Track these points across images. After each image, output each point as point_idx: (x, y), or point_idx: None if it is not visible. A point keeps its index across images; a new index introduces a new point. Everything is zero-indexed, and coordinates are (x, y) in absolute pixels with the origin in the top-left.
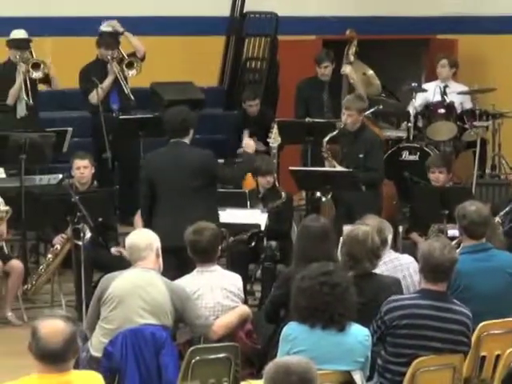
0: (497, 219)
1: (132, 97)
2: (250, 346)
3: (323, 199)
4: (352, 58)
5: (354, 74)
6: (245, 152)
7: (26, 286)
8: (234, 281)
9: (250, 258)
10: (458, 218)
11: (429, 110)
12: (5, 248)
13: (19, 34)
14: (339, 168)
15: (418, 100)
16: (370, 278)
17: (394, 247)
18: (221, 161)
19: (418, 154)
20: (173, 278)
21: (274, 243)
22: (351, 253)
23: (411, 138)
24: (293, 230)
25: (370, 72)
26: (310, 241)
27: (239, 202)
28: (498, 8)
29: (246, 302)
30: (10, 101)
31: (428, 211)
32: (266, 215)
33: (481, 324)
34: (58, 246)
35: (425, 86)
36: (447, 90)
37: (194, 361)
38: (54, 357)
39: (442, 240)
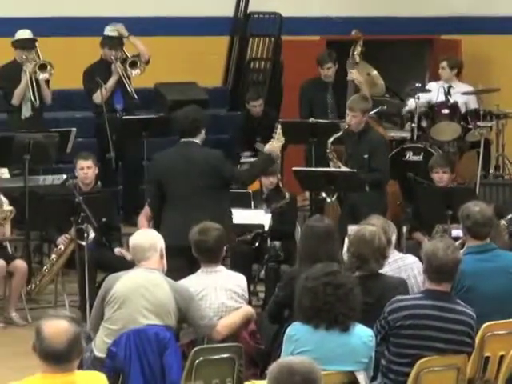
0: (502, 222)
1: (135, 96)
2: (254, 346)
3: (328, 200)
4: (357, 59)
5: (361, 78)
6: (267, 152)
7: (29, 286)
8: (239, 281)
9: (254, 259)
10: (461, 219)
11: (433, 111)
12: (8, 248)
13: (24, 34)
14: (344, 169)
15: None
16: (377, 278)
17: (398, 247)
18: None
19: (422, 154)
20: (182, 278)
21: (277, 244)
22: (358, 253)
23: (415, 138)
24: (297, 231)
25: (375, 72)
26: (314, 241)
27: (243, 202)
28: (502, 8)
29: (249, 302)
30: (15, 101)
31: (432, 211)
32: (269, 216)
33: (485, 324)
34: (62, 247)
35: (428, 86)
36: (452, 91)
37: (197, 361)
38: (58, 357)
39: (446, 240)
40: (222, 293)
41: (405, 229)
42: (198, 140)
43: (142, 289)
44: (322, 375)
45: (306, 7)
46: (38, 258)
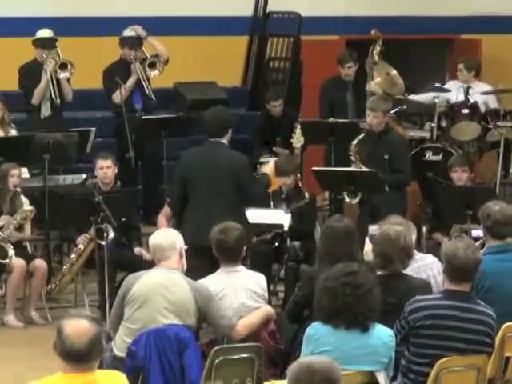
0: None
1: (153, 97)
2: (274, 346)
3: (352, 202)
4: (376, 58)
5: (380, 90)
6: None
7: (49, 286)
8: (258, 281)
9: (274, 258)
10: (482, 218)
11: (452, 110)
12: (28, 248)
13: (45, 33)
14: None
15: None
16: (401, 278)
17: (418, 247)
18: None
19: (442, 154)
20: (202, 278)
21: (297, 243)
22: (383, 252)
23: (435, 138)
24: (316, 231)
25: (394, 72)
26: (334, 241)
27: (262, 201)
28: None
29: (269, 302)
30: (35, 100)
31: (451, 211)
32: (289, 215)
33: (505, 325)
34: (82, 246)
35: (447, 85)
36: (470, 91)
37: (217, 361)
38: (78, 357)
39: (466, 240)
40: (241, 292)
41: (424, 229)
42: (225, 140)
43: (161, 288)
44: (342, 375)
45: (326, 7)
46: (57, 258)
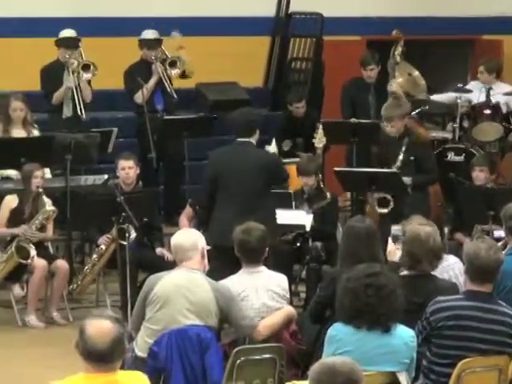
0: None
1: (175, 95)
2: (295, 346)
3: (383, 211)
4: (398, 59)
5: (401, 91)
6: None
7: (71, 286)
8: (280, 282)
9: (296, 259)
10: (503, 219)
11: (474, 111)
12: (50, 248)
13: (68, 33)
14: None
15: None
16: (428, 279)
17: None
18: None
19: (464, 154)
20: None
21: (319, 244)
22: (412, 252)
23: (457, 138)
24: (338, 231)
25: (416, 73)
26: (356, 241)
27: (284, 202)
28: None
29: (290, 302)
30: (54, 101)
31: (473, 212)
32: (311, 216)
33: None
34: (103, 247)
35: (469, 85)
36: (492, 92)
37: (239, 361)
38: (100, 357)
39: (488, 241)
40: (263, 293)
41: (446, 229)
42: (253, 140)
43: (183, 289)
44: (364, 376)
45: (347, 7)
46: (79, 258)
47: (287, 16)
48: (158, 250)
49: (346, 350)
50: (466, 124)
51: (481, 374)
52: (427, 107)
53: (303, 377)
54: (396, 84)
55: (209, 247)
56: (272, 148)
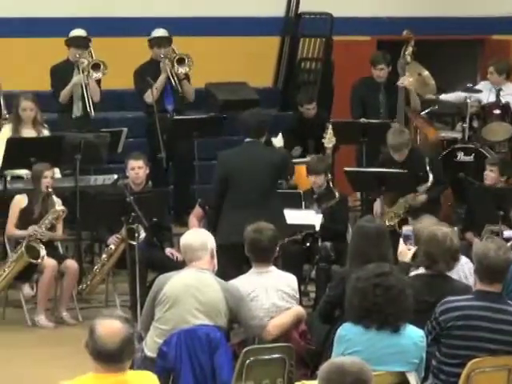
0: None
1: (180, 89)
2: (305, 346)
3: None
4: (408, 59)
5: (411, 85)
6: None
7: (80, 286)
8: (289, 282)
9: (305, 259)
10: None
11: (484, 111)
12: (60, 248)
13: (79, 32)
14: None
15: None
16: (443, 279)
17: None
18: None
19: (473, 154)
20: (237, 274)
21: (328, 244)
22: (428, 252)
23: (466, 138)
24: (348, 231)
25: (426, 73)
26: (365, 241)
27: (294, 202)
28: None
29: (300, 302)
30: (61, 99)
31: (483, 212)
32: (320, 216)
33: None
34: (113, 246)
35: (478, 85)
36: (502, 93)
37: (248, 361)
38: (110, 357)
39: (497, 241)
40: (273, 293)
41: (456, 229)
42: (262, 140)
43: (192, 289)
44: (373, 376)
45: (357, 7)
46: (88, 258)
47: (297, 16)
48: (167, 250)
49: (356, 349)
50: (475, 124)
51: (490, 374)
52: (437, 107)
53: (312, 377)
54: (406, 79)
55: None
56: (278, 141)
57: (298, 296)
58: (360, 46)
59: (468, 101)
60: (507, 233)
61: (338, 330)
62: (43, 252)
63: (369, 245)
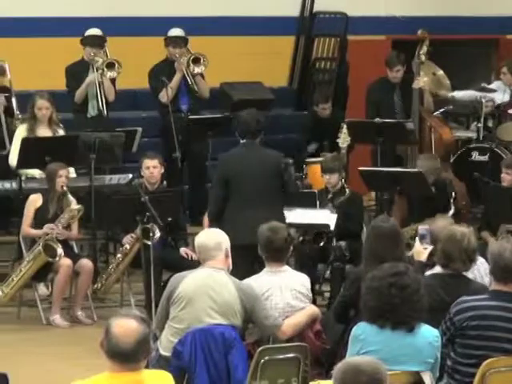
0: None
1: (196, 88)
2: (319, 346)
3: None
4: (423, 58)
5: (426, 86)
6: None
7: (95, 286)
8: (303, 281)
9: (320, 259)
10: None
11: (499, 111)
12: (75, 247)
13: (94, 31)
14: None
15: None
16: (462, 280)
17: None
18: (290, 160)
19: (488, 154)
20: (243, 276)
21: (343, 243)
22: (446, 251)
23: (481, 138)
24: (362, 231)
25: (440, 72)
26: (380, 241)
27: (308, 202)
28: None
29: (314, 302)
30: (76, 98)
31: (498, 211)
32: (335, 215)
33: None
34: (128, 246)
35: (493, 84)
36: None
37: (263, 361)
38: (125, 356)
39: None
40: (287, 293)
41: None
42: (257, 141)
43: (207, 288)
44: (388, 375)
45: (372, 7)
46: (103, 258)
47: (311, 15)
48: (182, 250)
49: (370, 349)
50: (490, 123)
51: (505, 374)
52: (451, 107)
53: (327, 376)
54: (421, 81)
55: None
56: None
57: (311, 295)
58: (375, 46)
59: (482, 100)
60: None
61: (353, 330)
62: (60, 251)
63: (383, 245)
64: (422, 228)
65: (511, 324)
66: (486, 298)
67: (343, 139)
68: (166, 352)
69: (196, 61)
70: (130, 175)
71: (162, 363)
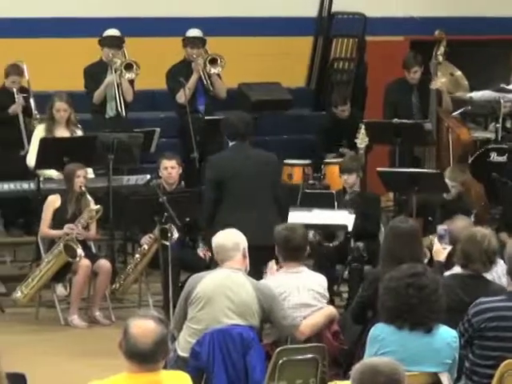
0: None
1: (211, 88)
2: (337, 346)
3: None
4: (440, 59)
5: (444, 87)
6: None
7: (113, 286)
8: (321, 281)
9: (338, 259)
10: None
11: None
12: (93, 248)
13: (112, 32)
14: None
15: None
16: (481, 281)
17: None
18: (307, 162)
19: (507, 155)
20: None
21: (361, 244)
22: (466, 251)
23: (499, 139)
24: (380, 232)
25: (458, 73)
26: (398, 242)
27: (326, 202)
28: None
29: (333, 302)
30: (95, 99)
31: None
32: (353, 216)
33: None
34: (146, 246)
35: (511, 85)
36: None
37: (281, 361)
38: (143, 357)
39: None
40: (304, 293)
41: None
42: (247, 143)
43: (225, 289)
44: (406, 376)
45: (390, 7)
46: (121, 258)
47: (329, 16)
48: (200, 250)
49: (388, 350)
50: (508, 124)
51: None
52: (469, 107)
53: (345, 377)
54: (439, 82)
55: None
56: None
57: (328, 296)
58: (393, 46)
59: (501, 101)
60: None
61: (371, 331)
62: (80, 251)
63: (402, 245)
64: (441, 228)
65: None
66: (504, 299)
67: (361, 140)
68: (183, 353)
69: (213, 61)
70: (148, 176)
71: (179, 364)
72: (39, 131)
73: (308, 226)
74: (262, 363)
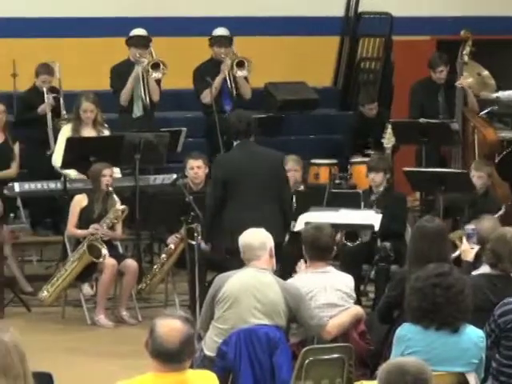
0: None
1: (236, 91)
2: (364, 346)
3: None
4: (466, 59)
5: (469, 85)
6: None
7: (140, 286)
8: (348, 282)
9: (364, 259)
10: None
11: None
12: (119, 248)
13: (139, 32)
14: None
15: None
16: (508, 280)
17: None
18: (334, 161)
19: None
20: None
21: (388, 244)
22: (495, 251)
23: None
24: (407, 231)
25: (485, 72)
26: (425, 241)
27: (353, 202)
28: None
29: (359, 302)
30: (122, 100)
31: None
32: (380, 216)
33: None
34: (172, 246)
35: None
36: None
37: (307, 361)
38: (169, 356)
39: None
40: (331, 293)
41: None
42: (251, 139)
43: (252, 288)
44: (433, 376)
45: (417, 7)
46: (148, 258)
47: (356, 16)
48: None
49: (415, 350)
50: None
51: None
52: (496, 107)
53: (372, 377)
54: (464, 80)
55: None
56: None
57: (354, 296)
58: (420, 46)
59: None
60: None
61: (398, 330)
62: (105, 251)
63: (428, 245)
64: (469, 228)
65: None
66: None
67: (388, 139)
68: (210, 352)
69: (240, 64)
70: (175, 175)
71: (206, 363)
72: (65, 131)
73: (334, 226)
74: (289, 363)
